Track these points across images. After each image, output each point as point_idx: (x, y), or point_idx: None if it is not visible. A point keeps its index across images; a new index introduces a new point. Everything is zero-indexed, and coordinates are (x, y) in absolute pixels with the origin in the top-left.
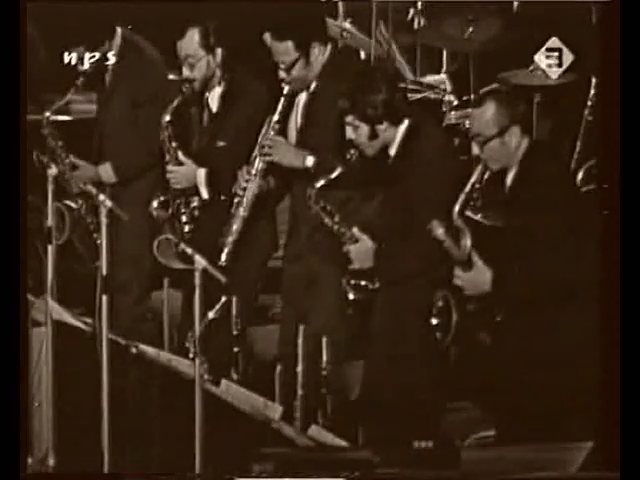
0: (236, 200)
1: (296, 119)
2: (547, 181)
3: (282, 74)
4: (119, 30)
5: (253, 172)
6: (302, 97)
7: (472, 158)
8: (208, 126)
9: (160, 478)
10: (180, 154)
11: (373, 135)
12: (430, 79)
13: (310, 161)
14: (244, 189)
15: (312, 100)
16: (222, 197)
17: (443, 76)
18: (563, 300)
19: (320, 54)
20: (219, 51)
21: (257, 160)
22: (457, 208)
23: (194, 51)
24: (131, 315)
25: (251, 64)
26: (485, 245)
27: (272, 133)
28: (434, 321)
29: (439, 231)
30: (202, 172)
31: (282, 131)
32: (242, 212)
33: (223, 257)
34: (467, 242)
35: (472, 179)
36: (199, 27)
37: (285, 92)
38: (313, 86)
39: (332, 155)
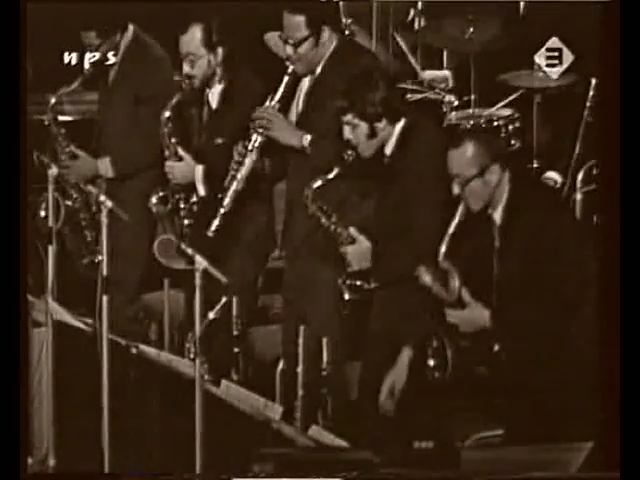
0: (230, 174)
1: (297, 104)
2: (538, 213)
3: (289, 50)
4: (131, 27)
5: (249, 147)
6: (306, 82)
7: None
8: (207, 123)
9: (160, 478)
10: (180, 149)
11: (372, 133)
12: (432, 74)
13: (306, 140)
14: (239, 163)
15: (315, 86)
16: (218, 195)
17: (446, 72)
18: (564, 312)
19: (329, 39)
20: (220, 50)
21: (253, 136)
22: (442, 250)
23: (195, 49)
24: (123, 314)
25: (252, 63)
26: (480, 282)
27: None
28: (431, 362)
29: (426, 278)
30: (200, 169)
31: (283, 113)
32: (235, 186)
33: (213, 227)
34: (455, 283)
35: (455, 220)
36: (202, 24)
37: (289, 71)
38: (317, 72)
39: (330, 142)
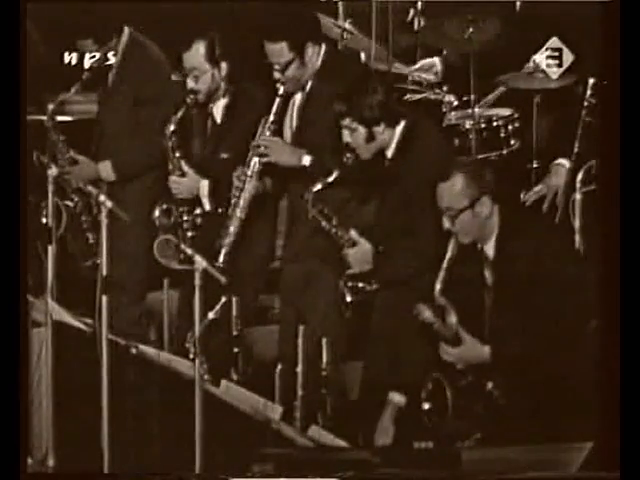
0: (233, 201)
1: (291, 119)
2: (531, 244)
3: (277, 75)
4: (126, 29)
5: (249, 173)
6: (297, 97)
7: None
8: (211, 136)
9: (159, 478)
10: (183, 164)
11: (370, 137)
12: (421, 63)
13: (307, 160)
14: (240, 190)
15: (307, 100)
16: (220, 209)
17: (435, 59)
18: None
19: (314, 54)
20: (224, 65)
21: (253, 161)
22: (438, 287)
23: (199, 64)
24: (126, 316)
25: (256, 77)
26: (475, 317)
27: (268, 133)
28: (426, 406)
29: (427, 314)
30: (205, 184)
31: (278, 132)
32: (239, 213)
33: (221, 258)
34: (453, 319)
35: (447, 255)
36: (205, 40)
37: (280, 93)
38: (308, 86)
39: (328, 155)
